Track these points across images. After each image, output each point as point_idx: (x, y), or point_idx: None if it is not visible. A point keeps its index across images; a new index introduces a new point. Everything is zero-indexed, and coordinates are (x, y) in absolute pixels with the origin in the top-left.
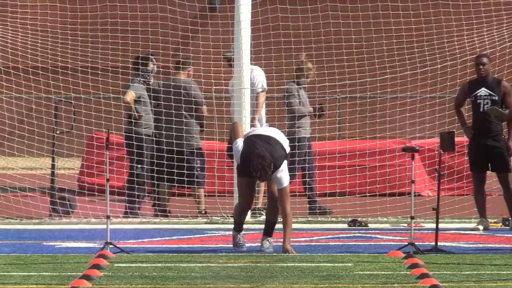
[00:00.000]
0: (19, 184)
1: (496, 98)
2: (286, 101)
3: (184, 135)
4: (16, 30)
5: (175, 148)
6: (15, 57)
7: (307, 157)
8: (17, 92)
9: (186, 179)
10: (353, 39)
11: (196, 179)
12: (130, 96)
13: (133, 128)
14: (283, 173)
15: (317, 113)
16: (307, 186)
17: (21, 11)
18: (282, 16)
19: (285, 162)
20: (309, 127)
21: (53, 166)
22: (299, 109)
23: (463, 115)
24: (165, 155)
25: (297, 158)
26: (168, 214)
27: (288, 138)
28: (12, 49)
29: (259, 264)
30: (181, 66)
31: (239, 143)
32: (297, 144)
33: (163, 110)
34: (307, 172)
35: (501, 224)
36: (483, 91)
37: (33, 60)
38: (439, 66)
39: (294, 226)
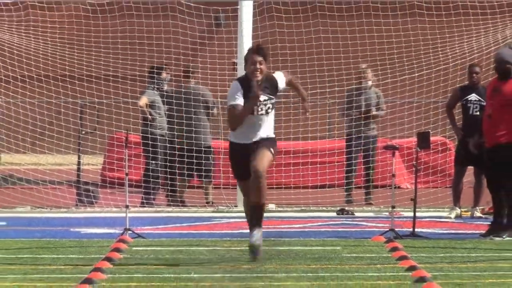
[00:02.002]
0: (49, 178)
1: (484, 103)
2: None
3: (202, 135)
4: (46, 43)
5: (194, 147)
6: (46, 66)
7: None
8: (47, 97)
9: (203, 173)
10: (341, 51)
11: (207, 173)
12: (143, 101)
13: (148, 129)
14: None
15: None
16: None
17: (51, 26)
18: (279, 31)
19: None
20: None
21: (78, 162)
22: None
23: (454, 117)
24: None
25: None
26: (184, 203)
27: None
28: (43, 60)
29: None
30: (190, 74)
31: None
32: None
33: (183, 112)
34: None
35: (470, 213)
36: (473, 97)
37: (62, 69)
38: (416, 75)
39: (289, 214)
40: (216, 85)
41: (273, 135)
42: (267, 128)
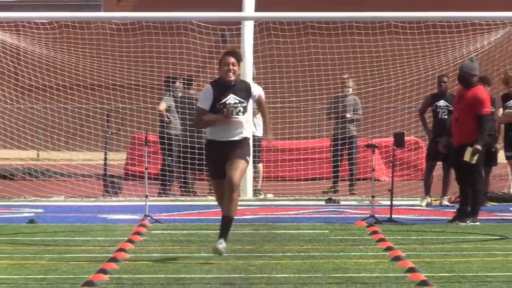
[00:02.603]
0: (80, 171)
1: (451, 108)
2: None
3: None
4: (78, 56)
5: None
6: (77, 76)
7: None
8: (79, 103)
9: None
10: (328, 64)
11: None
12: (163, 106)
13: (165, 130)
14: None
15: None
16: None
17: (81, 42)
18: (276, 46)
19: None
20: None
21: (105, 158)
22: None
23: (425, 120)
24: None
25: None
26: (195, 193)
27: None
28: (75, 71)
29: (258, 231)
30: (192, 82)
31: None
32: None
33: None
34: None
35: (439, 201)
36: (442, 103)
37: (91, 79)
38: (393, 84)
39: (285, 202)
40: None
41: (247, 135)
42: (241, 129)
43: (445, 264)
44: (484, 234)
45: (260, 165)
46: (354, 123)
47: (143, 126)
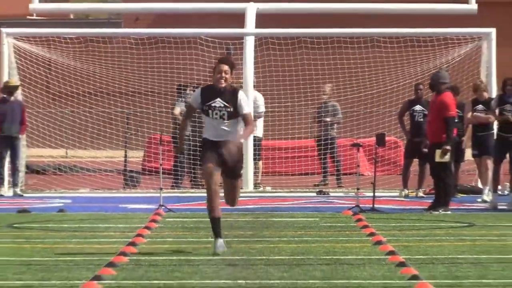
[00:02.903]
0: (103, 167)
1: (426, 112)
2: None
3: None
4: (101, 67)
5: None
6: (101, 84)
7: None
8: (102, 107)
9: None
10: (319, 74)
11: None
12: (177, 111)
13: (177, 131)
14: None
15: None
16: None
17: (105, 55)
18: (274, 58)
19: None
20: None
21: (125, 156)
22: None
23: (403, 122)
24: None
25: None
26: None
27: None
28: (99, 80)
29: (258, 219)
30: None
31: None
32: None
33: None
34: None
35: (415, 193)
36: (418, 107)
37: (113, 86)
38: (375, 91)
39: (281, 194)
40: None
41: (238, 140)
42: (230, 133)
43: (420, 248)
44: (455, 222)
45: (260, 162)
46: (335, 125)
47: (158, 128)
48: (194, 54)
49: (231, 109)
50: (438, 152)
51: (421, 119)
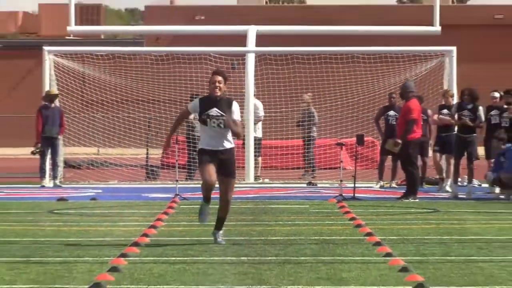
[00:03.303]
0: (128, 163)
1: (397, 116)
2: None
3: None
4: (127, 79)
5: None
6: (127, 94)
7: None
8: (127, 113)
9: None
10: (309, 85)
11: None
12: (192, 116)
13: (190, 132)
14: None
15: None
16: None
17: (129, 69)
18: (271, 72)
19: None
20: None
21: (147, 153)
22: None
23: (379, 125)
24: None
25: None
26: None
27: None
28: (125, 89)
29: (258, 206)
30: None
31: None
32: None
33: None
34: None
35: (389, 184)
36: (391, 113)
37: (136, 95)
38: (356, 99)
39: (277, 185)
40: None
41: (232, 145)
42: (224, 139)
43: (393, 230)
44: (422, 208)
45: (260, 158)
46: (312, 128)
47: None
48: (205, 68)
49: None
50: (390, 142)
51: (394, 123)
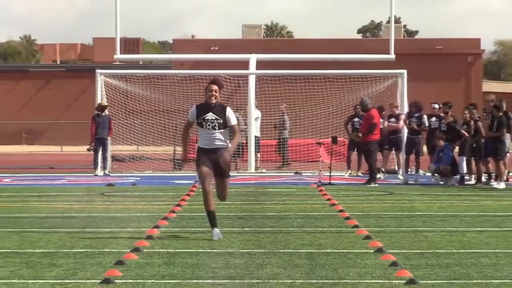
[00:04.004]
0: (160, 157)
1: (361, 122)
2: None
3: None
4: (159, 94)
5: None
6: (159, 104)
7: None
8: (160, 120)
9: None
10: (296, 99)
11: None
12: None
13: None
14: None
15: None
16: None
17: (161, 86)
18: (267, 89)
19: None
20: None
21: (174, 150)
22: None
23: (347, 129)
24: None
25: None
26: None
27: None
28: (157, 101)
29: (257, 190)
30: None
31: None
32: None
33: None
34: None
35: (356, 173)
36: (356, 119)
37: (167, 106)
38: (331, 109)
39: (271, 174)
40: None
41: (226, 144)
42: (221, 140)
43: (359, 207)
44: (381, 191)
45: (258, 154)
46: (284, 131)
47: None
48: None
49: (221, 121)
50: (354, 134)
51: (358, 127)
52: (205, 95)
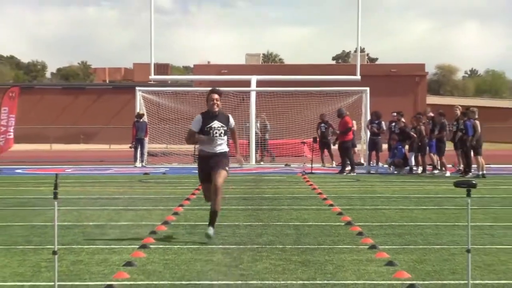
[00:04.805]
0: (184, 153)
1: (326, 127)
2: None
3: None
4: (183, 105)
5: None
6: (183, 113)
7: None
8: (184, 125)
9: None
10: (282, 109)
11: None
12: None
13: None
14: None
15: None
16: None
17: (183, 98)
18: (264, 102)
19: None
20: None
21: (194, 148)
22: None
23: (318, 132)
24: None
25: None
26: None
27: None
28: (182, 111)
29: (257, 177)
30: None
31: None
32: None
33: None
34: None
35: (331, 164)
36: (323, 125)
37: (189, 114)
38: (311, 117)
39: (268, 165)
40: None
41: (227, 149)
42: (222, 145)
43: (334, 191)
44: (350, 178)
45: (259, 151)
46: (265, 134)
47: None
48: (227, 100)
49: (226, 128)
50: (333, 130)
51: (324, 130)
52: (207, 104)
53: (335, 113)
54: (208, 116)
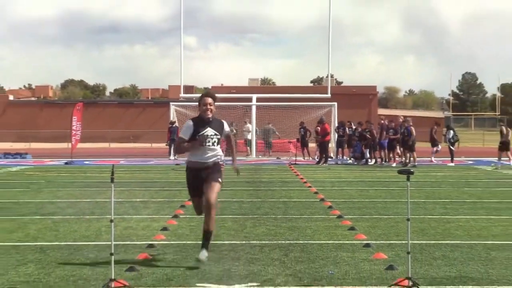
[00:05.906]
0: None
1: (304, 131)
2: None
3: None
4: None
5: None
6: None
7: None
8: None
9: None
10: (278, 118)
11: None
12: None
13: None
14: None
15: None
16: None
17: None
18: (263, 111)
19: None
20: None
21: None
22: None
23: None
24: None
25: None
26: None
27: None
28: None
29: (256, 168)
30: (232, 125)
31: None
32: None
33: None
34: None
35: (312, 158)
36: (302, 129)
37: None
38: (294, 123)
39: (265, 159)
40: (241, 126)
41: (220, 159)
42: (214, 155)
43: (312, 177)
44: (323, 168)
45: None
46: (271, 137)
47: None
48: (233, 111)
49: (220, 136)
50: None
51: (303, 133)
52: (199, 108)
53: (314, 121)
54: (201, 122)
